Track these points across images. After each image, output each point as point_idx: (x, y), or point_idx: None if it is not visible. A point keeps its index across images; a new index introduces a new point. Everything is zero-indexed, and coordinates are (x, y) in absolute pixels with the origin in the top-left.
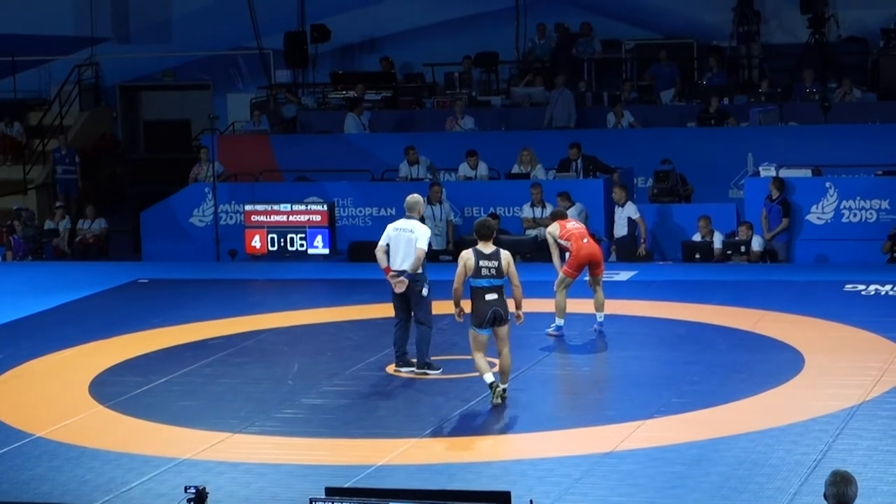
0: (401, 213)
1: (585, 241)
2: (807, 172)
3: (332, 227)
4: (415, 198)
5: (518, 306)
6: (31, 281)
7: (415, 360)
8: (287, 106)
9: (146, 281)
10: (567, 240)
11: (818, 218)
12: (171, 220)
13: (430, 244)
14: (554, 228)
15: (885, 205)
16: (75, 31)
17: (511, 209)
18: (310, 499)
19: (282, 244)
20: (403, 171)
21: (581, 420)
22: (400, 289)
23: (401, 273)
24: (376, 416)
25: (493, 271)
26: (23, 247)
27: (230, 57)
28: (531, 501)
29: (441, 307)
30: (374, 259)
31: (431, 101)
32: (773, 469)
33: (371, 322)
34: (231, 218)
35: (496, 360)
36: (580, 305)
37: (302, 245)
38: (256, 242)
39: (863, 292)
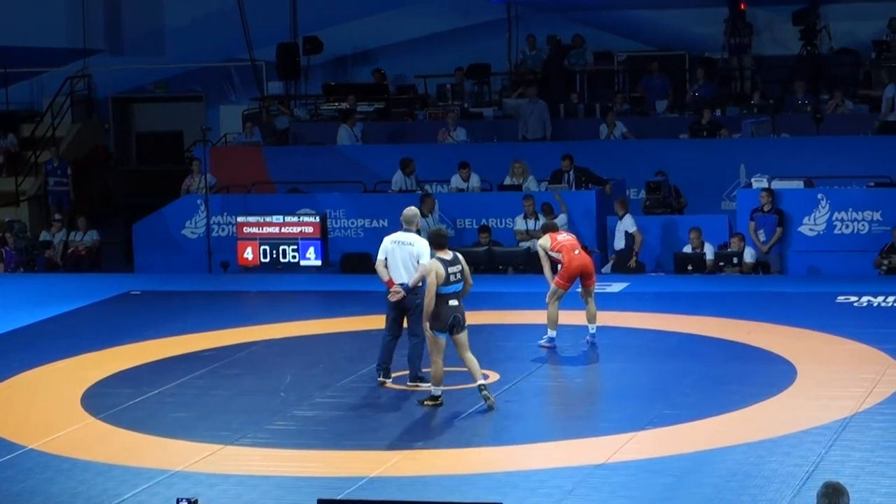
0: (393, 225)
1: (577, 252)
2: (799, 184)
3: (324, 239)
4: (413, 211)
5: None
6: (23, 293)
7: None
8: (279, 118)
9: (138, 293)
10: (558, 251)
11: (810, 229)
12: (164, 232)
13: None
14: (545, 241)
15: (877, 216)
16: (68, 42)
17: (503, 221)
18: None
19: (274, 256)
20: (397, 183)
21: (573, 431)
22: (395, 298)
23: (400, 286)
24: (368, 428)
25: (458, 276)
26: (15, 259)
27: (223, 69)
28: None
29: None
30: (366, 270)
31: (424, 113)
32: (765, 480)
33: (363, 334)
34: (223, 230)
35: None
36: (572, 317)
37: (294, 257)
38: (249, 254)
39: (855, 304)
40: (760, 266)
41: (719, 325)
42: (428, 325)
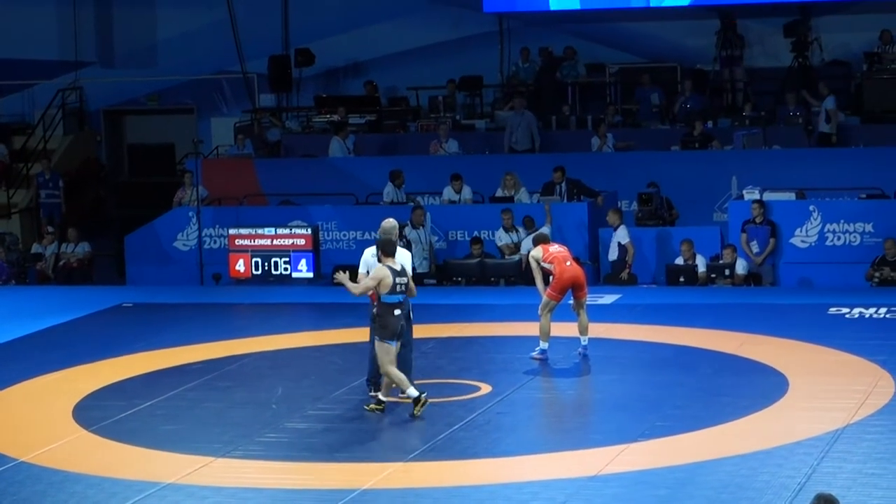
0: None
1: (568, 264)
2: (791, 195)
3: (316, 251)
4: (391, 223)
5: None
6: (14, 305)
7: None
8: (271, 130)
9: (130, 305)
10: (550, 263)
11: (802, 241)
12: (156, 244)
13: (413, 268)
14: (537, 252)
15: (868, 228)
16: (59, 55)
17: (494, 233)
18: None
19: (266, 268)
20: (388, 195)
21: (565, 443)
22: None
23: None
24: (360, 441)
25: (403, 287)
26: (6, 271)
27: (214, 81)
28: None
29: (423, 330)
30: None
31: (415, 125)
32: (757, 492)
33: (355, 346)
34: (215, 242)
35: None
36: (564, 329)
37: (286, 269)
38: (241, 266)
39: (847, 315)
40: (752, 278)
41: (711, 337)
42: (377, 336)
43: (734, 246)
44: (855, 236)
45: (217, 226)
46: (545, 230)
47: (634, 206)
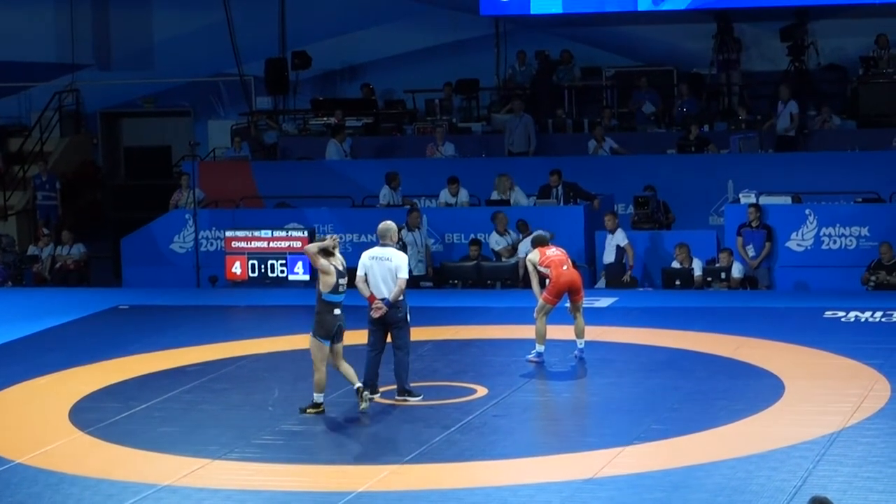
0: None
1: (565, 268)
2: (787, 199)
3: None
4: (387, 225)
5: None
6: (10, 307)
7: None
8: (268, 132)
9: (126, 307)
10: (547, 266)
11: (798, 245)
12: (152, 247)
13: (410, 271)
14: (534, 255)
15: (864, 232)
16: (56, 57)
17: (489, 237)
18: None
19: (262, 270)
20: (384, 198)
21: (561, 446)
22: (377, 314)
23: (381, 301)
24: (356, 443)
25: (344, 288)
26: (2, 273)
27: (211, 83)
28: None
29: (419, 333)
30: (353, 286)
31: (412, 128)
32: (753, 496)
33: (351, 349)
34: (211, 244)
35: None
36: (561, 332)
37: (282, 271)
38: (237, 269)
39: (843, 319)
40: (748, 281)
41: (707, 341)
42: (312, 332)
43: (730, 249)
44: (851, 240)
45: (213, 228)
46: (544, 232)
47: (631, 209)
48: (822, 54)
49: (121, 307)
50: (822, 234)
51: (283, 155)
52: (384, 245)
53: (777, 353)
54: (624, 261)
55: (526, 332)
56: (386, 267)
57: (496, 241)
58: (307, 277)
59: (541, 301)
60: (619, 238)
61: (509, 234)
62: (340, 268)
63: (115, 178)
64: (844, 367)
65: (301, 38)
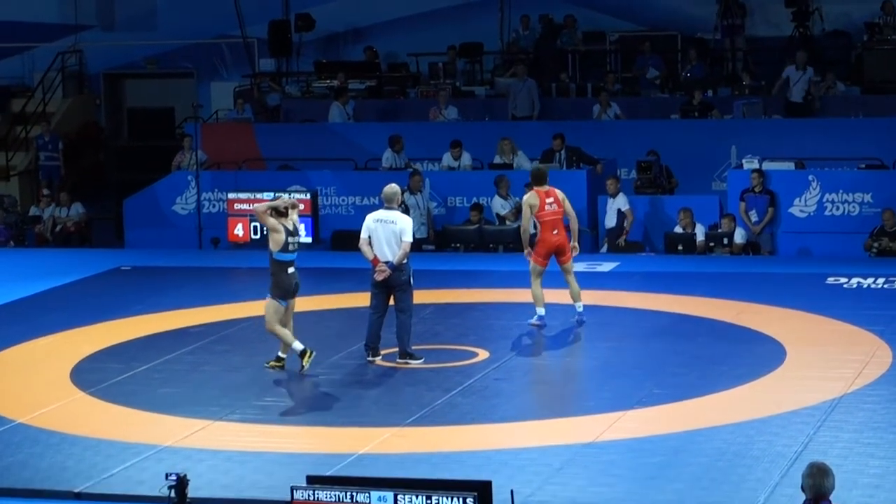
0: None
1: (555, 232)
2: (790, 165)
3: (315, 216)
4: (392, 188)
5: None
6: (12, 267)
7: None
8: (271, 95)
9: (128, 268)
10: (539, 221)
11: (801, 211)
12: (154, 208)
13: (413, 234)
14: (534, 201)
15: (867, 198)
16: (59, 18)
17: (491, 201)
18: (291, 487)
19: (264, 232)
20: (387, 161)
21: (562, 410)
22: (381, 277)
23: (385, 264)
24: (358, 405)
25: (297, 246)
26: (4, 233)
27: (214, 45)
28: (512, 491)
29: (421, 296)
30: (356, 248)
31: (415, 91)
32: (753, 461)
33: (353, 311)
34: (214, 206)
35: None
36: (561, 296)
37: None
38: (239, 230)
39: (845, 285)
40: (751, 247)
41: (709, 306)
42: (269, 293)
43: (733, 215)
44: (854, 206)
45: (216, 190)
46: (542, 166)
47: (634, 174)
48: (827, 20)
49: (123, 268)
50: (825, 200)
51: (285, 117)
52: (389, 208)
53: (779, 318)
54: (626, 224)
55: (528, 295)
56: (390, 230)
57: (500, 205)
58: (309, 240)
59: (532, 263)
60: (620, 202)
61: (512, 198)
62: (291, 227)
63: (117, 140)
64: (846, 334)
65: (304, 1)
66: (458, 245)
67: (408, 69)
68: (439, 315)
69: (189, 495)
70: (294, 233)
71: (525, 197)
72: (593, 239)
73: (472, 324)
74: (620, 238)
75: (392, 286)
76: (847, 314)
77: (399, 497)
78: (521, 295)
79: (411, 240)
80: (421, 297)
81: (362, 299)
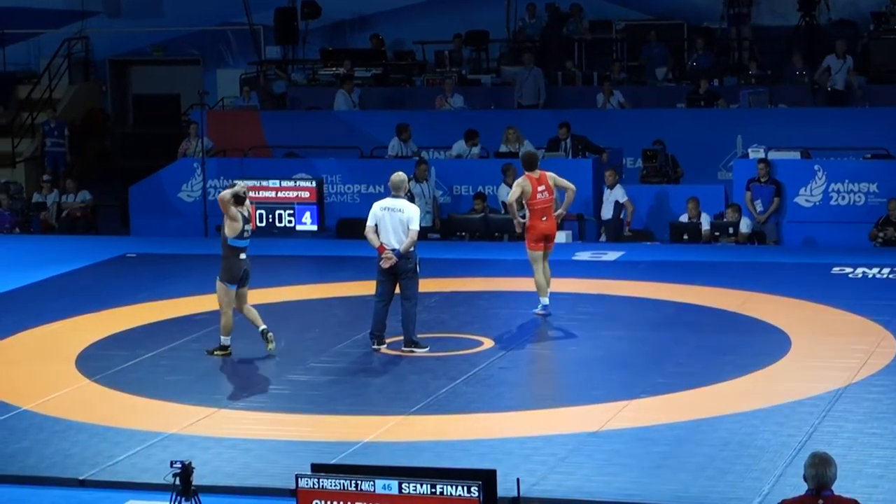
0: (390, 191)
1: (544, 219)
2: (796, 155)
3: (320, 204)
4: (400, 176)
5: None
6: (18, 254)
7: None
8: (277, 82)
9: (134, 255)
10: (530, 209)
11: (806, 200)
12: (160, 195)
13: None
14: (527, 186)
15: (873, 188)
16: (66, 4)
17: (497, 189)
18: (295, 475)
19: (270, 220)
20: (393, 149)
21: (567, 399)
22: (387, 264)
23: (392, 251)
24: (363, 393)
25: (250, 233)
26: (9, 220)
27: (220, 32)
28: (517, 480)
29: (427, 285)
30: (362, 236)
31: (421, 79)
32: (758, 450)
33: (358, 299)
34: (219, 193)
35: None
36: (566, 285)
37: (290, 221)
38: None
39: (850, 275)
40: (756, 236)
41: (714, 295)
42: (219, 277)
43: (738, 204)
44: (859, 196)
45: (221, 177)
46: (534, 151)
47: (640, 163)
48: (834, 9)
49: (128, 255)
50: (830, 189)
51: (291, 105)
52: (396, 196)
53: (784, 308)
54: (622, 216)
55: (533, 284)
56: (398, 218)
57: (507, 194)
58: (315, 228)
59: (528, 251)
60: (618, 194)
61: None
62: (246, 214)
63: (123, 126)
64: (851, 324)
65: None
66: (464, 234)
67: (414, 57)
68: (445, 303)
69: (194, 483)
70: (248, 220)
71: (518, 179)
72: (598, 227)
73: (477, 312)
74: (625, 229)
75: (398, 274)
76: (852, 304)
77: (403, 485)
78: (526, 284)
79: (418, 228)
80: (426, 285)
81: (367, 287)
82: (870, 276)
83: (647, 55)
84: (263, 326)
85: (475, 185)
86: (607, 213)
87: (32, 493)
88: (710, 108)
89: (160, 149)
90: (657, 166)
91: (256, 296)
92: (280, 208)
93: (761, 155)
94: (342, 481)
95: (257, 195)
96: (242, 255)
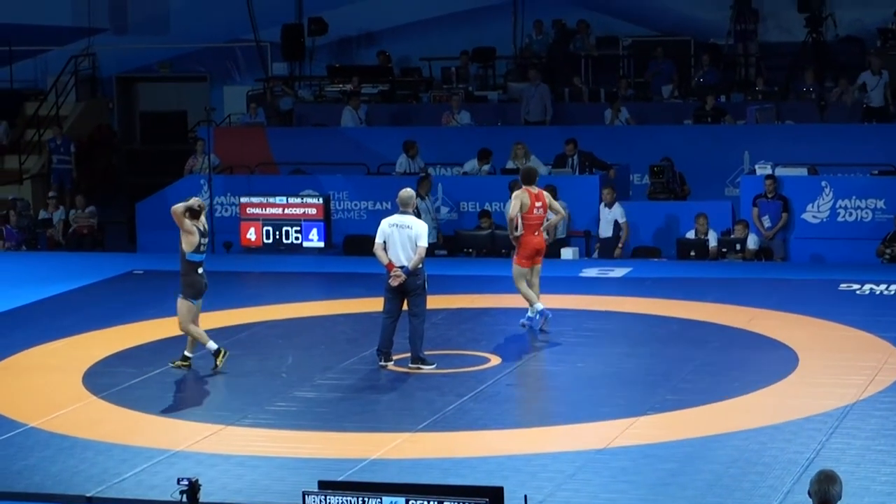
0: (397, 207)
1: (536, 234)
2: (803, 171)
3: (327, 221)
4: (408, 192)
5: None
6: (25, 271)
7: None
8: (283, 98)
9: (141, 272)
10: (524, 222)
11: (814, 217)
12: (167, 212)
13: None
14: (526, 199)
15: (880, 204)
16: (72, 21)
17: (504, 205)
18: (303, 492)
19: (277, 237)
20: (401, 166)
21: (575, 416)
22: (396, 282)
23: (400, 268)
24: (370, 410)
25: (205, 248)
26: (16, 236)
27: (227, 49)
28: (525, 497)
29: (434, 301)
30: (368, 253)
31: (428, 96)
32: (766, 467)
33: (365, 316)
34: (226, 210)
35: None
36: (570, 301)
37: (297, 238)
38: (252, 235)
39: (857, 292)
40: (763, 253)
41: (721, 312)
42: (181, 293)
43: (746, 221)
44: (867, 212)
45: (228, 194)
46: (533, 167)
47: (646, 179)
48: (840, 26)
49: (135, 272)
50: (837, 206)
51: (298, 121)
52: (404, 212)
53: (791, 324)
54: (619, 235)
55: (541, 300)
56: (406, 235)
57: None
58: (321, 244)
59: (515, 267)
60: (616, 213)
61: None
62: (202, 228)
63: (130, 143)
64: (859, 340)
65: (317, 4)
66: (470, 250)
67: (420, 74)
68: (451, 320)
69: (201, 500)
70: (205, 234)
71: (517, 192)
72: (593, 244)
73: (484, 329)
74: (618, 250)
75: (407, 291)
76: (859, 321)
77: (411, 502)
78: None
79: (426, 245)
80: (433, 302)
81: (374, 304)
82: (877, 292)
83: (653, 71)
84: (192, 355)
85: (482, 202)
86: (605, 231)
87: None
88: (717, 124)
89: (167, 165)
90: (664, 182)
91: (263, 312)
92: (287, 225)
93: (768, 171)
94: (349, 498)
95: (264, 212)
96: (200, 270)
